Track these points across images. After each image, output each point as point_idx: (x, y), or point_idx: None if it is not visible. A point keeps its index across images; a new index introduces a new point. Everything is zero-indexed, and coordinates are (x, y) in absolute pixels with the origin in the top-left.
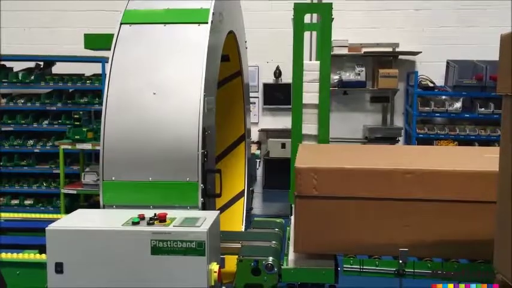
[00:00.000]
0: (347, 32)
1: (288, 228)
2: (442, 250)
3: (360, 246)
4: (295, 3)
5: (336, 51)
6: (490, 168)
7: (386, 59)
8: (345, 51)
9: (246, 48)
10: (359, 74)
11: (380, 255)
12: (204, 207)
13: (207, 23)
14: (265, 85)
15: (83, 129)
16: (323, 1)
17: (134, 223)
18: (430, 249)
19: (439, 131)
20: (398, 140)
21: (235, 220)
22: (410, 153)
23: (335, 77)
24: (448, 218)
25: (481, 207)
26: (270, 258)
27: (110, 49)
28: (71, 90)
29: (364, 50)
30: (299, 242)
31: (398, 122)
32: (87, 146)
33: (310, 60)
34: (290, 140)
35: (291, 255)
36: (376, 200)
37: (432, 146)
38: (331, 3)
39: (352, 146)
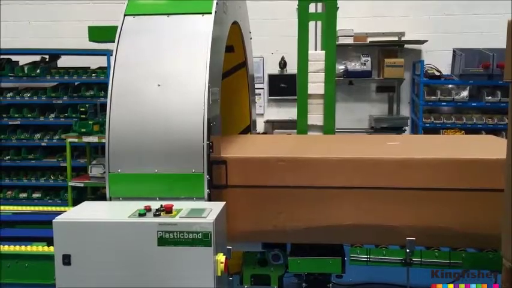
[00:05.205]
0: (352, 21)
1: None
2: (318, 236)
3: (242, 234)
4: None
5: (341, 40)
6: (365, 155)
7: (392, 48)
8: (350, 40)
9: (251, 39)
10: (364, 64)
11: (268, 241)
12: (210, 199)
13: (210, 13)
14: (270, 76)
15: (89, 122)
16: None
17: (140, 215)
18: (308, 235)
19: (445, 120)
20: (405, 130)
21: None
22: (334, 142)
23: (340, 67)
24: (322, 204)
25: (349, 192)
26: (276, 249)
27: (114, 41)
28: (76, 83)
29: (369, 39)
30: None
31: (405, 111)
32: (94, 139)
33: (316, 50)
34: (296, 131)
35: None
36: (253, 187)
37: (371, 136)
38: None
39: (276, 136)
